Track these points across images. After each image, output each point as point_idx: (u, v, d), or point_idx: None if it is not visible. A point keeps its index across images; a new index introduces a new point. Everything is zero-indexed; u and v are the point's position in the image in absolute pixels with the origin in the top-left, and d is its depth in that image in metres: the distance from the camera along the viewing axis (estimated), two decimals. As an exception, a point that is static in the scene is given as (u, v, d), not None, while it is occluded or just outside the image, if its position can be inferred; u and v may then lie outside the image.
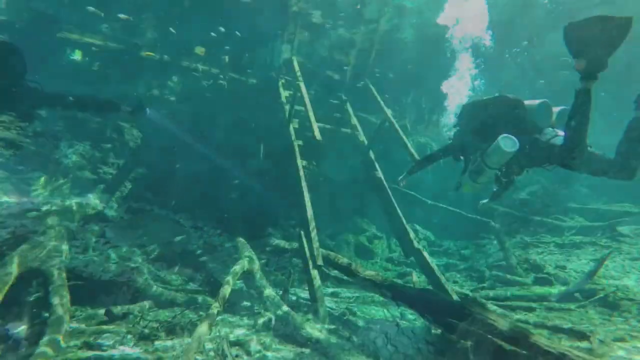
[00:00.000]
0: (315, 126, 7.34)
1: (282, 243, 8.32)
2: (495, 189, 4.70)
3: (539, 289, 7.31)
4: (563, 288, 7.23)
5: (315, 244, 6.25)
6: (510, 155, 3.91)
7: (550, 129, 3.98)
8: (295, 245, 7.73)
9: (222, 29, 9.72)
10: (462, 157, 4.82)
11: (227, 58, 10.77)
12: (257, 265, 6.55)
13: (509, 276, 8.41)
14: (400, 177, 5.80)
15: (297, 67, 9.38)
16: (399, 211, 7.62)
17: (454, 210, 11.48)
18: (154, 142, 9.91)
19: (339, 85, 11.27)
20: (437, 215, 12.02)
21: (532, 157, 3.99)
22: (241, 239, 7.53)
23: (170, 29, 9.62)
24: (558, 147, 3.63)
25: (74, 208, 6.73)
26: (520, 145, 3.87)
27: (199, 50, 10.42)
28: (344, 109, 10.49)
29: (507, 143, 3.85)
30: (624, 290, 6.72)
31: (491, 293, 7.48)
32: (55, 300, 4.44)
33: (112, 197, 8.56)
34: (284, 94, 9.70)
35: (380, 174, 8.40)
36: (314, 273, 5.94)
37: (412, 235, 7.38)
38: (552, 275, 7.97)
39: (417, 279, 7.41)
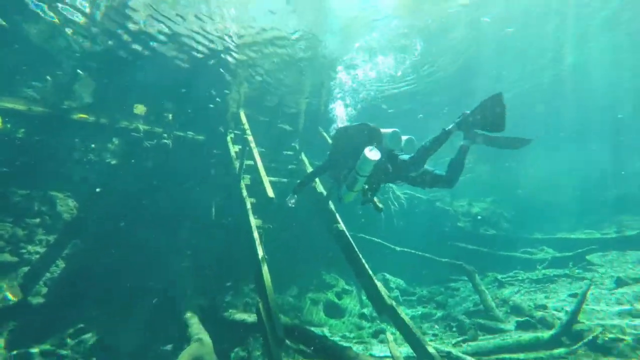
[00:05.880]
0: (267, 182, 6.73)
1: (242, 315, 7.39)
2: (362, 198, 5.42)
3: (524, 337, 6.73)
4: (548, 333, 6.71)
5: (276, 316, 5.44)
6: (374, 163, 4.69)
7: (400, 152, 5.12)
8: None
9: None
10: (335, 174, 5.64)
11: (170, 115, 10.17)
12: (209, 348, 5.61)
13: (490, 323, 7.84)
14: (287, 197, 6.15)
15: (244, 120, 8.89)
16: (366, 266, 6.97)
17: (423, 254, 11.01)
18: (94, 210, 8.96)
19: (292, 136, 10.88)
20: (406, 262, 11.48)
21: (388, 171, 4.96)
22: (191, 315, 6.58)
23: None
24: (406, 161, 4.80)
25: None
26: (381, 160, 4.76)
27: (139, 109, 9.77)
28: (300, 159, 10.02)
29: (371, 153, 4.65)
30: (611, 328, 6.29)
31: (474, 346, 6.83)
32: None
33: (40, 280, 7.40)
34: (234, 148, 9.13)
35: (342, 225, 7.80)
36: (276, 353, 5.09)
37: (382, 291, 6.71)
38: (535, 317, 7.48)
39: (392, 338, 6.69)
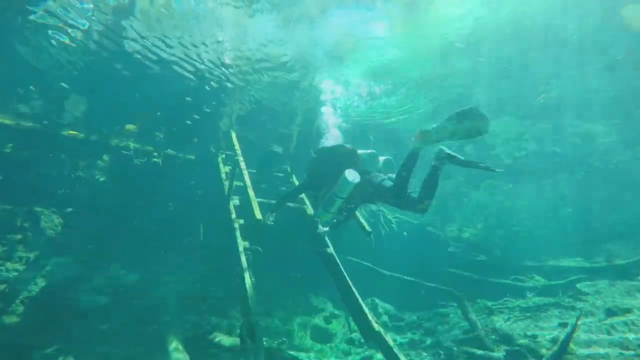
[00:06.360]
0: (255, 204, 6.67)
1: (226, 339, 7.20)
2: (335, 220, 5.55)
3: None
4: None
5: (259, 342, 5.30)
6: (353, 186, 4.77)
7: (378, 173, 5.13)
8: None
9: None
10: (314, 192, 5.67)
11: (161, 134, 10.15)
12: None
13: (479, 352, 7.71)
14: (267, 215, 6.26)
15: (235, 141, 8.89)
16: (354, 290, 6.87)
17: (412, 280, 10.90)
18: (80, 228, 8.81)
19: (284, 158, 10.87)
20: (396, 286, 11.34)
21: (366, 193, 4.98)
22: (174, 342, 6.39)
23: None
24: (388, 188, 4.76)
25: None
26: (361, 182, 4.82)
27: (130, 127, 9.74)
28: (290, 182, 9.99)
29: (351, 175, 4.75)
30: (601, 360, 6.22)
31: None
32: None
33: (16, 299, 7.17)
34: (224, 169, 9.09)
35: (331, 249, 7.71)
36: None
37: (370, 316, 6.59)
38: (525, 347, 7.37)
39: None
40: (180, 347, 6.22)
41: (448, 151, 4.34)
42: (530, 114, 13.26)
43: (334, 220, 5.58)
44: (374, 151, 5.28)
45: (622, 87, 11.59)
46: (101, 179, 9.59)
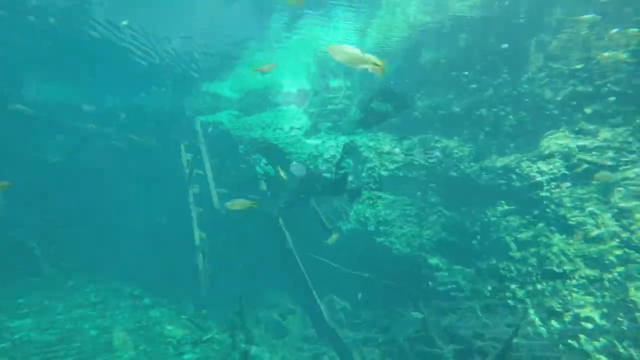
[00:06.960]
0: (215, 193, 6.53)
1: (177, 330, 7.00)
2: (283, 205, 6.12)
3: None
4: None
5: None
6: (298, 179, 5.27)
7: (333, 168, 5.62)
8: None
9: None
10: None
11: (123, 115, 9.75)
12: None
13: (430, 350, 7.91)
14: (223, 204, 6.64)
15: (199, 129, 8.65)
16: (310, 286, 6.88)
17: (370, 277, 10.98)
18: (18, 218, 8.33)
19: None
20: (354, 283, 11.40)
21: (312, 185, 5.52)
22: (121, 330, 6.14)
23: None
24: (330, 180, 5.43)
25: None
26: (306, 176, 5.32)
27: (89, 107, 9.30)
28: (253, 174, 9.84)
29: (296, 169, 5.39)
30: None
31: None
32: None
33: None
34: (186, 157, 8.84)
35: (290, 244, 7.68)
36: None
37: (325, 313, 6.63)
38: (473, 346, 7.62)
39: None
40: (128, 340, 5.98)
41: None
42: (399, 130, 14.40)
43: (282, 205, 6.05)
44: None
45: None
46: (53, 160, 9.11)
